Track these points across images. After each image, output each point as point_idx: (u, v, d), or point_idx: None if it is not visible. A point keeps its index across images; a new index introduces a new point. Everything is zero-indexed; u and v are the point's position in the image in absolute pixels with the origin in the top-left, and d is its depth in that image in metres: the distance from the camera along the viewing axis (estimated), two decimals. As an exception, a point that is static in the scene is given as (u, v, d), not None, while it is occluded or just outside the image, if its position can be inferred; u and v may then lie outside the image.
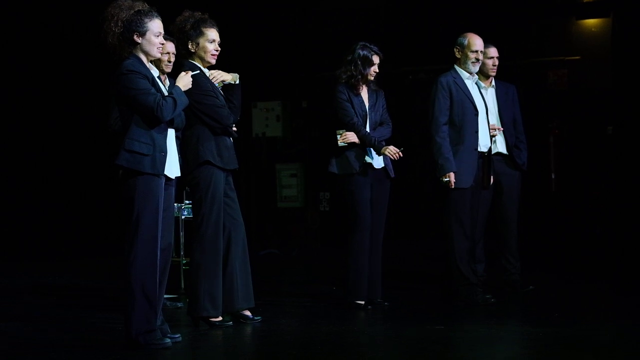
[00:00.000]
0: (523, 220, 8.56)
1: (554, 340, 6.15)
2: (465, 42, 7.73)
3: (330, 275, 9.37)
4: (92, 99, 12.17)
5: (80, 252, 12.40)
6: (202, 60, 6.77)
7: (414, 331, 6.59)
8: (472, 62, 7.72)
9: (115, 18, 5.87)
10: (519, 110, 8.43)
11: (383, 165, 7.58)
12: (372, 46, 7.55)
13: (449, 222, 7.67)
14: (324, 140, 10.61)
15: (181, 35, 6.70)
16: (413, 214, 12.06)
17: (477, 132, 7.67)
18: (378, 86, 7.66)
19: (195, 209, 6.75)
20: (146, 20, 5.92)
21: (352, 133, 7.47)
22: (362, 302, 7.45)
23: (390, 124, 7.69)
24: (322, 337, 6.49)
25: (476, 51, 7.72)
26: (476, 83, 7.83)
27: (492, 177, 7.82)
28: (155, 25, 5.96)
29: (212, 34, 6.76)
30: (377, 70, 7.55)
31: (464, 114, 7.66)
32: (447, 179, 7.55)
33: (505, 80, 8.46)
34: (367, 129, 7.52)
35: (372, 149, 7.47)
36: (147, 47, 5.95)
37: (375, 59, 7.53)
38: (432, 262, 8.28)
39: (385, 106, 7.70)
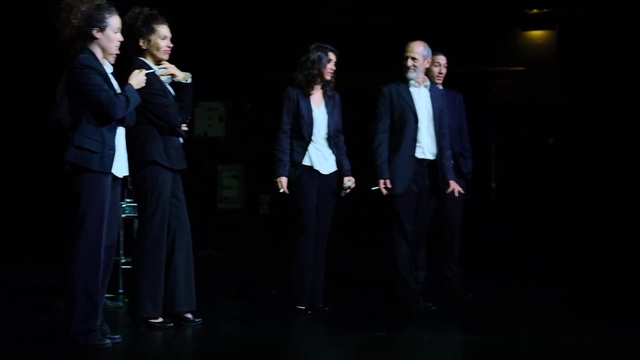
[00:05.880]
0: (464, 228, 8.61)
1: (493, 349, 6.22)
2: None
3: (269, 278, 9.33)
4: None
5: (28, 251, 12.08)
6: (153, 57, 6.69)
7: (356, 337, 6.58)
8: (405, 68, 7.71)
9: (75, 10, 5.76)
10: (465, 119, 8.49)
11: (331, 171, 7.53)
12: (326, 45, 7.50)
13: (391, 228, 7.70)
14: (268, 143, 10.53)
15: (131, 32, 6.58)
16: (366, 218, 12.01)
17: (414, 139, 7.66)
18: (334, 90, 7.58)
19: (139, 209, 6.68)
20: (107, 15, 5.84)
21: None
22: (303, 307, 7.41)
23: (342, 135, 7.63)
24: (263, 341, 6.46)
25: (406, 57, 7.69)
26: (430, 89, 7.81)
27: (448, 183, 7.80)
28: (115, 21, 5.88)
29: (164, 30, 6.69)
30: (334, 68, 7.48)
31: (404, 122, 7.68)
32: (378, 187, 7.60)
33: (450, 88, 8.47)
34: (314, 136, 7.44)
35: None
36: (105, 43, 5.87)
37: (331, 56, 7.47)
38: (382, 267, 8.27)
39: (340, 113, 7.61)
